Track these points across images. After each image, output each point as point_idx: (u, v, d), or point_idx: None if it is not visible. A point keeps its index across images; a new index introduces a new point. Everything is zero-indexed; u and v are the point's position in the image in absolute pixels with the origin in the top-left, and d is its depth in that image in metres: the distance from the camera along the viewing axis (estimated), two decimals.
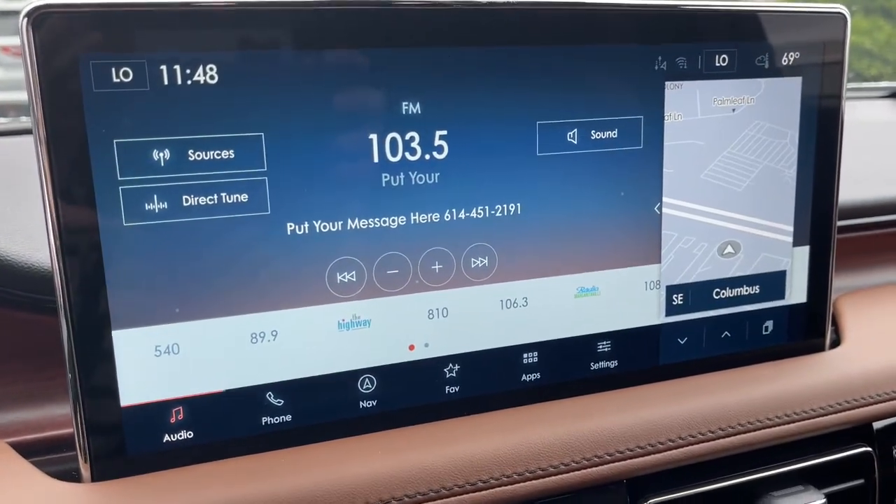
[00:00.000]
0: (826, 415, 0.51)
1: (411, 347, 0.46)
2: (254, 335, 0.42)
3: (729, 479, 0.50)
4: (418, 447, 0.44)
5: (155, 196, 0.39)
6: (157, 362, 0.41)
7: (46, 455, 0.44)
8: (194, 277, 0.41)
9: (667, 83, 0.48)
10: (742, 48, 0.50)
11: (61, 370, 0.40)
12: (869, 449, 0.53)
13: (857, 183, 0.70)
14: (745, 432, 0.49)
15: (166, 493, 0.39)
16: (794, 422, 0.50)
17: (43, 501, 0.38)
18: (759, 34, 0.50)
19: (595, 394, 0.50)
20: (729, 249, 0.52)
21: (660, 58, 0.48)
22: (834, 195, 0.54)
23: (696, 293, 0.52)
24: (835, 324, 0.60)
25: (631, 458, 0.46)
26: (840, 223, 0.67)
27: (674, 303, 0.51)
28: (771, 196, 0.52)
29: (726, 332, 0.53)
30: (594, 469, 0.46)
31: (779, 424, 0.49)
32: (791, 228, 0.53)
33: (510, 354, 0.48)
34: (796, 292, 0.54)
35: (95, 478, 0.40)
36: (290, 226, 0.42)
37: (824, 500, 0.50)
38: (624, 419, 0.47)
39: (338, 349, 0.44)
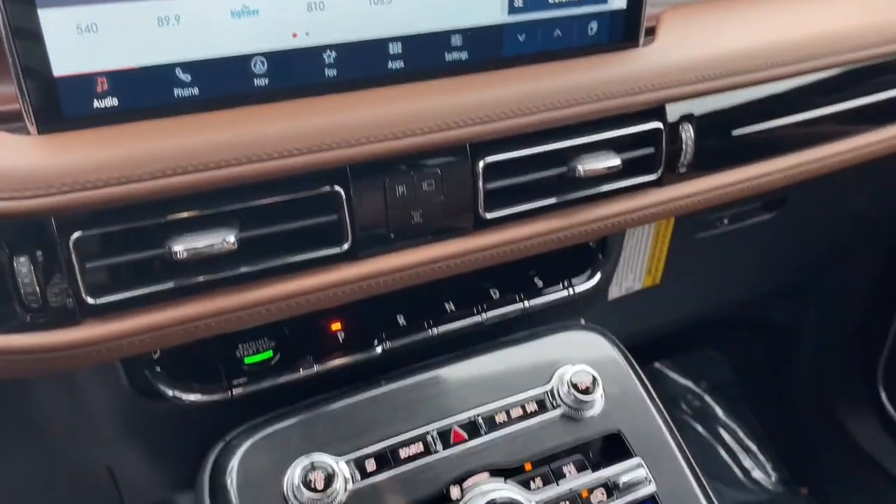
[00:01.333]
0: (628, 95, 0.65)
1: (294, 35, 0.55)
2: (160, 19, 0.51)
3: (549, 144, 0.64)
4: (304, 115, 0.56)
5: None
6: (79, 39, 0.49)
7: None
8: None
9: None
10: None
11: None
12: (660, 125, 0.69)
13: None
14: (564, 107, 0.62)
15: (99, 141, 0.50)
16: (602, 100, 0.63)
17: (3, 147, 0.49)
18: None
19: (448, 78, 0.61)
20: None
21: None
22: None
23: None
24: (656, 31, 0.72)
25: (473, 125, 0.59)
26: None
27: (515, 4, 0.62)
28: None
29: (558, 31, 0.64)
30: (444, 133, 0.59)
31: (591, 102, 0.63)
32: None
33: (378, 45, 0.58)
34: None
35: (41, 133, 0.50)
36: None
37: (620, 161, 0.66)
38: (470, 96, 0.60)
39: (233, 34, 0.53)
